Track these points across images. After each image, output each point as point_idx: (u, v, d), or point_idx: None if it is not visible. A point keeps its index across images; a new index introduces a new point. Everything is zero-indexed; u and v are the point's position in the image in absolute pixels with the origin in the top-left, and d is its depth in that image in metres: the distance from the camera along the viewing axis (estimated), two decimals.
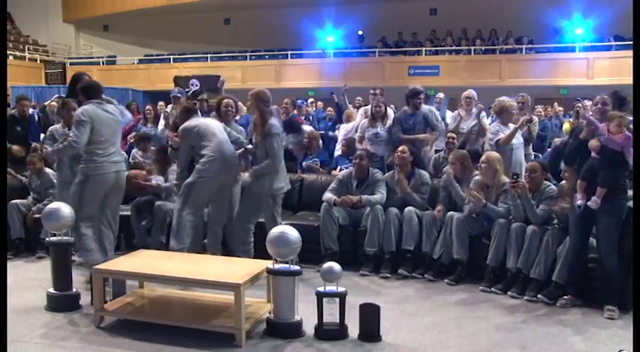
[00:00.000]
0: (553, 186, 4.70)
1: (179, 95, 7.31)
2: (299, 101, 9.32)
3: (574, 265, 4.25)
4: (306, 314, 3.71)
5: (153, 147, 7.17)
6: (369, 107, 6.78)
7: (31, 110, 7.19)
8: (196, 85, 8.24)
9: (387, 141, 6.19)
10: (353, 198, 5.18)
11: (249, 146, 5.08)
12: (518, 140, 5.56)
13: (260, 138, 4.81)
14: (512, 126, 5.56)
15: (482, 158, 4.95)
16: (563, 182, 4.73)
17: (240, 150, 5.06)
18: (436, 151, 6.41)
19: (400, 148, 5.36)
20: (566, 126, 8.13)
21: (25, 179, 5.99)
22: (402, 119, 6.13)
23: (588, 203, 4.08)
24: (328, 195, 5.27)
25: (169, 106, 7.89)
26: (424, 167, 5.55)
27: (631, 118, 4.15)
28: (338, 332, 3.62)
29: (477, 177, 4.98)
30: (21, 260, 5.40)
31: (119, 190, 4.79)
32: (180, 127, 4.92)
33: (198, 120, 5.00)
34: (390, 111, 6.78)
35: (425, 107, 6.25)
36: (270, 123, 4.79)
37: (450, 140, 6.14)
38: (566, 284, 4.30)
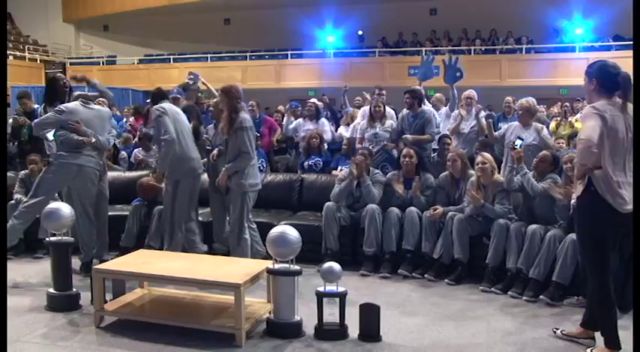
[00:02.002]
0: (557, 176, 4.70)
1: (178, 96, 7.31)
2: (293, 103, 9.28)
3: (583, 265, 4.23)
4: (306, 314, 3.71)
5: (155, 146, 7.18)
6: (368, 107, 6.78)
7: (35, 105, 7.21)
8: (193, 79, 8.22)
9: (386, 142, 6.19)
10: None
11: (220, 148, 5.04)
12: (525, 140, 5.53)
13: (230, 134, 4.73)
14: (538, 125, 5.59)
15: (478, 158, 4.97)
16: (561, 182, 4.74)
17: (215, 151, 5.05)
18: (434, 150, 6.40)
19: (405, 152, 5.34)
20: (553, 125, 8.16)
21: (23, 173, 5.95)
22: (404, 119, 6.18)
23: (572, 202, 4.09)
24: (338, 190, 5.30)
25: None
26: (428, 169, 5.56)
27: None
28: (338, 332, 3.62)
29: (472, 178, 4.99)
30: (21, 260, 5.40)
31: (80, 184, 4.80)
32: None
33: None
34: (391, 112, 6.77)
35: (428, 110, 6.36)
36: (241, 117, 4.69)
37: (446, 146, 6.10)
38: (576, 284, 4.29)
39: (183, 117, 5.14)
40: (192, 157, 4.99)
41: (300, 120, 7.81)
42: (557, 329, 3.70)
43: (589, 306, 3.56)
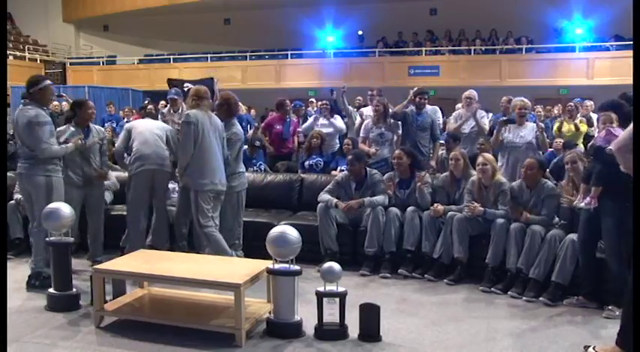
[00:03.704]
0: (550, 183, 4.73)
1: (176, 97, 7.32)
2: (297, 102, 9.33)
3: (582, 265, 4.24)
4: (306, 314, 3.71)
5: None
6: (369, 108, 6.83)
7: None
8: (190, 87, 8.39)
9: (390, 141, 6.22)
10: (354, 205, 5.13)
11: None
12: (522, 140, 5.57)
13: None
14: (530, 124, 5.66)
15: (479, 159, 4.97)
16: (563, 181, 4.75)
17: None
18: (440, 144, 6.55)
19: (395, 154, 5.37)
20: (556, 125, 8.14)
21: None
22: (409, 116, 6.22)
23: (580, 204, 4.10)
24: (326, 197, 5.25)
25: (166, 107, 7.90)
26: (423, 168, 5.58)
27: (614, 115, 4.13)
28: (338, 332, 3.62)
29: (473, 178, 4.99)
30: (21, 260, 5.40)
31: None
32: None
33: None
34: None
35: (430, 109, 6.44)
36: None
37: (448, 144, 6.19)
38: (576, 284, 4.30)
39: (146, 122, 5.52)
40: (145, 155, 5.05)
41: (315, 116, 7.92)
42: (589, 346, 3.44)
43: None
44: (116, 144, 5.44)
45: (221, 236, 4.76)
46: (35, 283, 4.55)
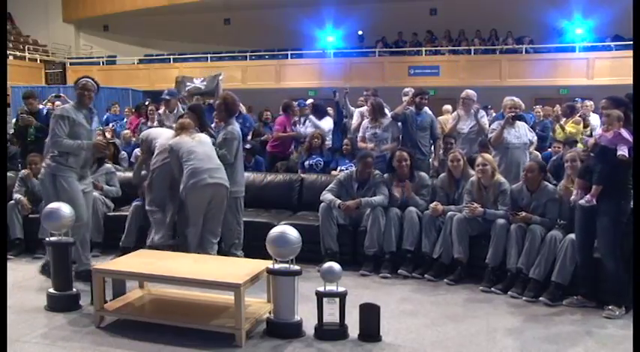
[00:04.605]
0: (551, 185, 4.73)
1: (167, 97, 7.33)
2: (301, 102, 9.36)
3: (581, 264, 4.24)
4: (306, 314, 3.71)
5: None
6: (364, 108, 6.88)
7: (40, 106, 7.20)
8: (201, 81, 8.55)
9: (385, 141, 6.23)
10: (351, 205, 5.13)
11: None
12: (519, 140, 5.57)
13: None
14: (521, 124, 5.66)
15: (479, 160, 4.96)
16: (562, 182, 4.74)
17: None
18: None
19: (399, 156, 5.30)
20: (569, 128, 8.05)
21: (23, 173, 5.95)
22: (408, 116, 6.23)
23: (580, 201, 4.10)
24: (329, 197, 5.25)
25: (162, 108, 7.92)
26: (421, 168, 5.58)
27: (620, 113, 4.11)
28: (338, 332, 3.62)
29: (472, 178, 4.98)
30: (21, 260, 5.40)
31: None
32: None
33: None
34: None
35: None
36: (168, 144, 5.01)
37: (449, 146, 6.23)
38: (575, 284, 4.29)
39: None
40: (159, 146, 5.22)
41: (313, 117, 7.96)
42: None
43: None
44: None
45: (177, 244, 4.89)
46: (48, 269, 4.51)
